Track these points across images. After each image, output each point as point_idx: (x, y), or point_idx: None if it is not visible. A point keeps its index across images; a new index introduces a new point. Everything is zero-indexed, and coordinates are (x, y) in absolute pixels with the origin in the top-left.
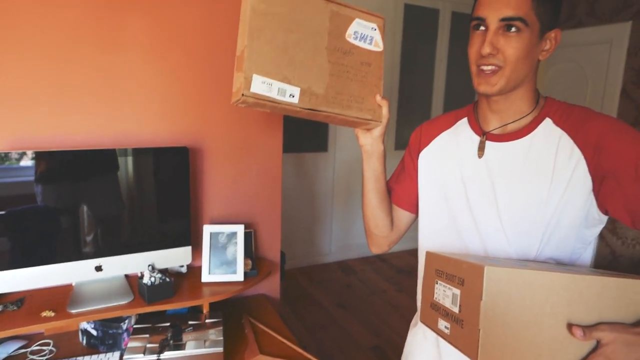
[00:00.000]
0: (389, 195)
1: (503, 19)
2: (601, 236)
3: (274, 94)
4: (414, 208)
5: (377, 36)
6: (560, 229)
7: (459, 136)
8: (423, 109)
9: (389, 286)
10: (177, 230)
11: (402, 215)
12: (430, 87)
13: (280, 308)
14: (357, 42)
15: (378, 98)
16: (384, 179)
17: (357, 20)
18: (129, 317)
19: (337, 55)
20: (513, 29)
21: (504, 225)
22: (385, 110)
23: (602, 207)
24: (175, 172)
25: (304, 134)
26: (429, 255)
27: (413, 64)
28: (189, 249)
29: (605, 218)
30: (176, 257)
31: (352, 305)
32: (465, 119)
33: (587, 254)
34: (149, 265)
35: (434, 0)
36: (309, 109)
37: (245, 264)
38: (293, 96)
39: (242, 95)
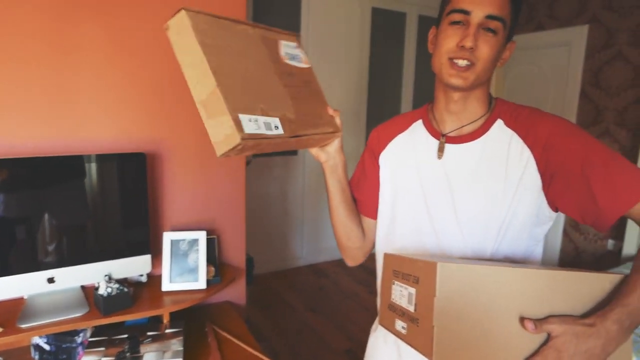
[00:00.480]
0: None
1: (488, 16)
2: (565, 232)
3: (262, 130)
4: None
5: (302, 53)
6: (513, 228)
7: (414, 139)
8: (392, 112)
9: (362, 288)
10: (135, 239)
11: (372, 224)
12: (399, 89)
13: (246, 315)
14: (292, 63)
15: (330, 110)
16: (349, 189)
17: (281, 41)
18: (84, 330)
19: (286, 78)
20: (492, 29)
21: (461, 226)
22: (339, 120)
23: (552, 204)
24: (133, 179)
25: None
26: (387, 257)
27: (381, 66)
28: (148, 257)
29: (554, 215)
30: (135, 266)
31: (325, 308)
32: (420, 121)
33: (538, 251)
34: (105, 276)
35: (401, 4)
36: (295, 137)
37: (208, 271)
38: (277, 128)
39: (241, 139)
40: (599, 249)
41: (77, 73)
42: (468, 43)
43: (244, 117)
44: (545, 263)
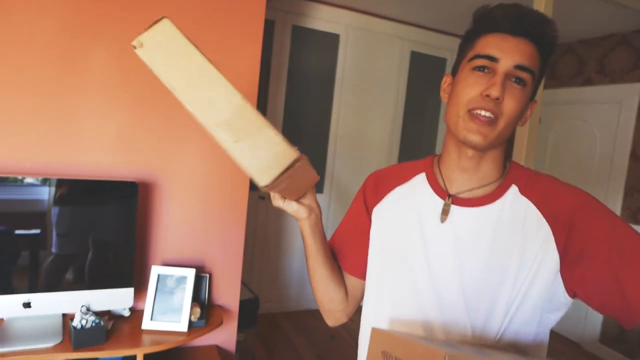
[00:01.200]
0: (336, 260)
1: (518, 66)
2: None
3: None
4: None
5: None
6: (523, 311)
7: (416, 194)
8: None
9: None
10: (119, 270)
11: (357, 283)
12: (434, 135)
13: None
14: None
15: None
16: (328, 248)
17: None
18: None
19: None
20: (522, 83)
21: (467, 301)
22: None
23: (570, 289)
24: (123, 208)
25: None
26: (375, 333)
27: (417, 111)
28: (130, 290)
29: (570, 302)
30: (116, 299)
31: (334, 358)
32: (423, 175)
33: (545, 340)
34: (82, 306)
35: (441, 49)
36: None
37: (193, 312)
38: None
39: (299, 153)
40: None
41: (81, 97)
42: (494, 92)
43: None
44: (584, 340)
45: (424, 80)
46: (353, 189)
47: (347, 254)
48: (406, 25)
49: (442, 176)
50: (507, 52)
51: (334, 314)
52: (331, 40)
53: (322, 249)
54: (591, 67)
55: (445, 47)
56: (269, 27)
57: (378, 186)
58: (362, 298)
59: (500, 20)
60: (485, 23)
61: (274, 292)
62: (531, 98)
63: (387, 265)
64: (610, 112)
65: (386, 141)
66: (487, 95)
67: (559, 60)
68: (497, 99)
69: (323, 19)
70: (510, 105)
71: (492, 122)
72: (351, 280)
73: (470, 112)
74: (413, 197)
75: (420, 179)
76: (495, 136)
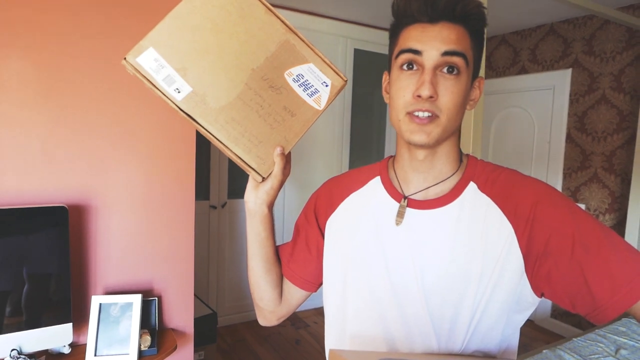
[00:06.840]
0: (280, 265)
1: (446, 53)
2: None
3: (159, 77)
4: (310, 286)
5: (325, 94)
6: (489, 315)
7: (371, 199)
8: (376, 152)
9: None
10: (54, 306)
11: (295, 291)
12: (383, 129)
13: None
14: (293, 85)
15: (277, 151)
16: (272, 246)
17: (310, 65)
18: None
19: (261, 83)
20: (454, 71)
21: (430, 309)
22: (277, 169)
23: (537, 289)
24: (52, 236)
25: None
26: (333, 355)
27: (365, 107)
28: (68, 326)
29: (538, 301)
30: (53, 337)
31: None
32: (378, 178)
33: (514, 341)
34: (12, 350)
35: (383, 46)
36: (187, 114)
37: (143, 341)
38: (179, 92)
39: (124, 59)
40: None
41: None
42: (425, 92)
43: (151, 53)
44: (537, 317)
45: (369, 78)
46: (304, 191)
47: (289, 261)
48: (348, 23)
49: (397, 178)
50: (429, 42)
51: (263, 312)
52: None
53: (256, 242)
54: (524, 56)
55: (387, 44)
56: None
57: (332, 196)
58: (297, 307)
59: (415, 11)
60: (402, 16)
61: (233, 303)
62: (474, 77)
63: (349, 277)
64: (545, 98)
65: (336, 140)
66: (419, 96)
67: (494, 52)
68: (431, 97)
69: None
70: (446, 100)
71: (433, 119)
72: (289, 286)
73: (408, 114)
74: (368, 202)
75: (375, 183)
76: (440, 132)
